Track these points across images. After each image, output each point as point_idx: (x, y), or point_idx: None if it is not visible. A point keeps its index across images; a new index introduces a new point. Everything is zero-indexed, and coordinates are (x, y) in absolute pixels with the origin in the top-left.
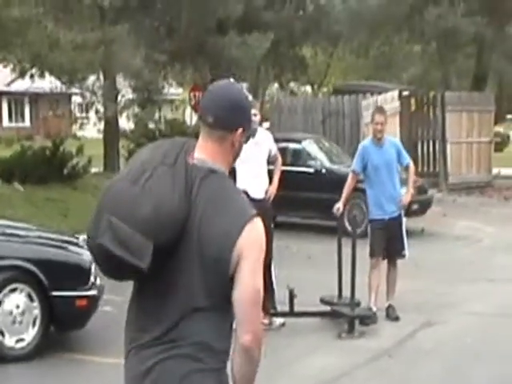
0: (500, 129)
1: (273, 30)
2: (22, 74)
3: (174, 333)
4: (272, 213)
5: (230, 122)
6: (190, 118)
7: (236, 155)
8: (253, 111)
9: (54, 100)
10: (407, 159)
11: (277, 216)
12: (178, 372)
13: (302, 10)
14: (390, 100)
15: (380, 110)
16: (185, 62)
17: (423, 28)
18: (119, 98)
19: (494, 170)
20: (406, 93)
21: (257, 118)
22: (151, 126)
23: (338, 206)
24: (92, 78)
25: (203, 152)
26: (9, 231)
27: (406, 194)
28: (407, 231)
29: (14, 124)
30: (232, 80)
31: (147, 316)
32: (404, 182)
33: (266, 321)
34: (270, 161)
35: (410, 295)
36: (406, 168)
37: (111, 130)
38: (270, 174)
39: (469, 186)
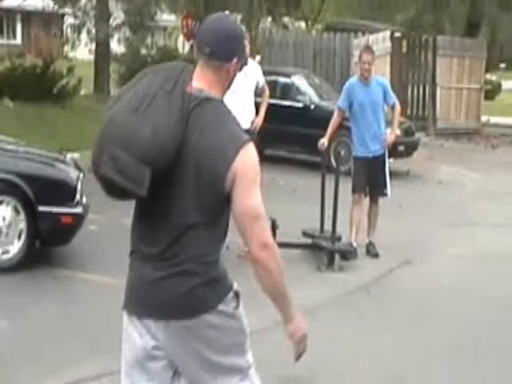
0: (493, 77)
1: None
2: None
3: (173, 249)
4: (257, 144)
5: (226, 53)
6: (182, 45)
7: (230, 83)
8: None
9: (46, 19)
10: (393, 99)
11: (264, 149)
12: (183, 288)
13: None
14: (382, 40)
15: (368, 49)
16: None
17: None
18: (111, 20)
19: (483, 118)
20: (397, 34)
21: (247, 50)
22: (143, 51)
23: (323, 141)
24: None
25: (200, 81)
26: None
27: (390, 134)
28: (392, 172)
29: (5, 41)
30: (227, 12)
31: (149, 233)
32: (390, 123)
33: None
34: (258, 93)
35: (391, 234)
36: (392, 107)
37: (102, 52)
38: (257, 106)
39: (457, 131)
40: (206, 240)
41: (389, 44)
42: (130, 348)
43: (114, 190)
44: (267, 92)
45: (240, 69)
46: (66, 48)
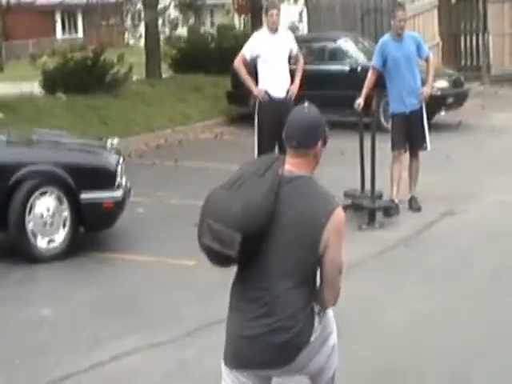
0: None
1: None
2: None
3: (271, 308)
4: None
5: (310, 142)
6: (239, 22)
7: (317, 163)
8: (274, 11)
9: (105, 10)
10: (427, 52)
11: None
12: (279, 338)
13: None
14: None
15: (402, 6)
16: None
17: None
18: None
19: None
20: None
21: (278, 18)
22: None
23: (359, 102)
24: None
25: (291, 166)
26: (38, 138)
27: (426, 87)
28: (444, 125)
29: (67, 36)
30: (306, 104)
31: (248, 293)
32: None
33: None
34: (292, 61)
35: (435, 187)
36: (426, 60)
37: (151, 37)
38: (292, 73)
39: (511, 77)
40: (301, 296)
41: None
42: None
43: (213, 256)
44: (301, 60)
45: (324, 145)
46: (127, 36)
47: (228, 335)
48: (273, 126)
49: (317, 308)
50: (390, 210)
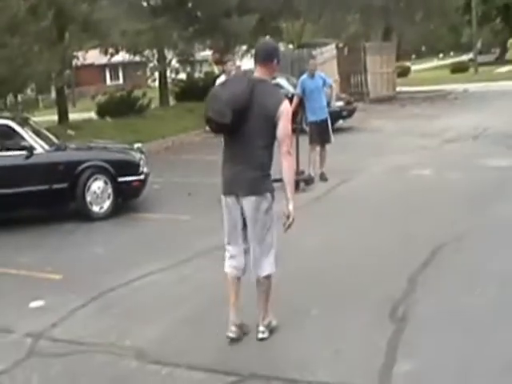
0: (407, 63)
1: (258, 12)
2: (105, 53)
3: (249, 159)
4: None
5: (271, 57)
6: (218, 69)
7: (274, 73)
8: (230, 62)
9: (136, 65)
10: (329, 82)
11: None
12: (252, 175)
13: None
14: (330, 50)
15: (312, 56)
16: (205, 36)
17: (352, 4)
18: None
19: (398, 89)
20: (341, 45)
21: (232, 67)
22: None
23: None
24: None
25: (259, 73)
26: (92, 145)
27: (331, 104)
28: (341, 128)
29: (113, 82)
30: (267, 37)
31: (232, 149)
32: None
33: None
34: None
35: (336, 165)
36: (330, 87)
37: (162, 81)
38: None
39: (382, 99)
40: (266, 154)
41: (335, 52)
42: (229, 214)
43: (215, 125)
44: None
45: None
46: (149, 81)
47: (223, 176)
48: None
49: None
50: (309, 181)
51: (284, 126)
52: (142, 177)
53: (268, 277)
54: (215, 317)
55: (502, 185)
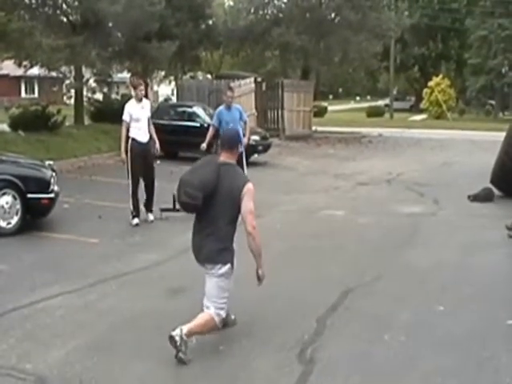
0: (324, 103)
1: (179, 39)
2: (19, 65)
3: (214, 233)
4: (153, 152)
5: (235, 146)
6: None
7: (236, 157)
8: (141, 87)
9: (53, 79)
10: (245, 117)
11: (178, 152)
12: (216, 247)
13: (198, 27)
14: (249, 83)
15: (229, 88)
16: (124, 58)
17: (271, 41)
18: (85, 79)
19: (314, 128)
20: (259, 79)
21: (143, 92)
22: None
23: (203, 146)
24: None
25: (224, 158)
26: (3, 158)
27: (244, 138)
28: (256, 163)
29: (28, 96)
30: (231, 126)
31: (200, 224)
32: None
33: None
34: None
35: None
36: (245, 123)
37: (78, 99)
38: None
39: (297, 137)
40: (230, 229)
41: (253, 85)
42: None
43: (188, 207)
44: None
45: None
46: (65, 98)
47: (192, 246)
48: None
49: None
50: None
51: (246, 204)
52: (52, 195)
53: (211, 317)
54: (119, 343)
55: (414, 231)
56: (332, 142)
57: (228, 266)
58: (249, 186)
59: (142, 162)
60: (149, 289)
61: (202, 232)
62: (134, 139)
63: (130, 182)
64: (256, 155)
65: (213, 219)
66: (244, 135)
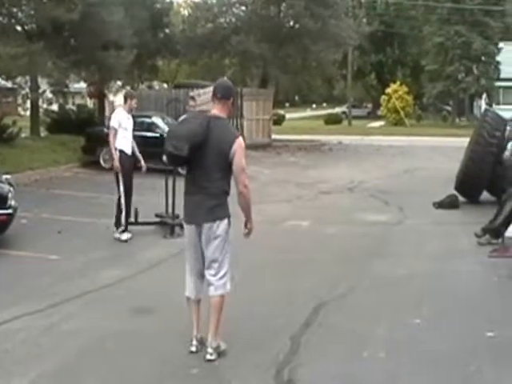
0: (281, 111)
1: (137, 48)
2: None
3: (207, 189)
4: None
5: (227, 95)
6: (90, 103)
7: (229, 111)
8: (135, 100)
9: (7, 91)
10: None
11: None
12: (210, 203)
13: (156, 36)
14: (208, 92)
15: (192, 98)
16: (81, 67)
17: (230, 49)
18: (41, 89)
19: (273, 136)
20: None
21: (135, 106)
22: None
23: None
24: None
25: (216, 111)
26: None
27: None
28: None
29: None
30: (225, 78)
31: (193, 181)
32: None
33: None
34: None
35: None
36: None
37: (34, 110)
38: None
39: (257, 145)
40: (223, 184)
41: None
42: (189, 242)
43: (173, 158)
44: None
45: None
46: (20, 109)
47: (184, 206)
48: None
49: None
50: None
51: (238, 161)
52: (9, 211)
53: (221, 296)
54: (87, 368)
55: (382, 240)
56: (292, 150)
57: (226, 221)
58: (239, 141)
59: (130, 176)
60: (115, 308)
61: (193, 190)
62: (122, 151)
63: (123, 194)
64: None
65: (203, 175)
66: None
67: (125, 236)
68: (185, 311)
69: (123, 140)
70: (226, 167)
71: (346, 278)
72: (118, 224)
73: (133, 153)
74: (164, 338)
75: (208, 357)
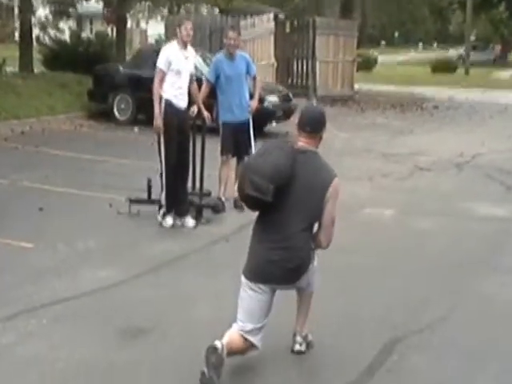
0: (374, 53)
1: None
2: None
3: (286, 242)
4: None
5: (319, 129)
6: (111, 29)
7: (319, 144)
8: (188, 26)
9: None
10: (254, 71)
11: None
12: (293, 264)
13: None
14: (266, 21)
15: (232, 28)
16: None
17: None
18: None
19: (357, 86)
20: (281, 16)
21: (190, 33)
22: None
23: (193, 109)
24: None
25: (303, 143)
26: None
27: (253, 101)
28: (274, 134)
29: None
30: (314, 103)
31: (266, 233)
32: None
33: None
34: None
35: None
36: (254, 78)
37: (26, 36)
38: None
39: (334, 98)
40: (303, 239)
41: (272, 25)
42: (254, 299)
43: (252, 202)
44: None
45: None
46: (16, 33)
47: (252, 259)
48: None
49: (313, 245)
50: (217, 208)
51: (330, 211)
52: None
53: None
54: None
55: (497, 246)
56: (382, 106)
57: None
58: (336, 183)
59: (177, 139)
60: (95, 326)
61: (267, 241)
62: (169, 103)
63: (164, 165)
64: (273, 123)
65: (283, 224)
66: (252, 97)
67: (169, 221)
68: (196, 334)
69: (173, 89)
70: (313, 216)
71: (437, 302)
72: (160, 206)
73: (187, 110)
74: (166, 371)
75: (297, 347)
